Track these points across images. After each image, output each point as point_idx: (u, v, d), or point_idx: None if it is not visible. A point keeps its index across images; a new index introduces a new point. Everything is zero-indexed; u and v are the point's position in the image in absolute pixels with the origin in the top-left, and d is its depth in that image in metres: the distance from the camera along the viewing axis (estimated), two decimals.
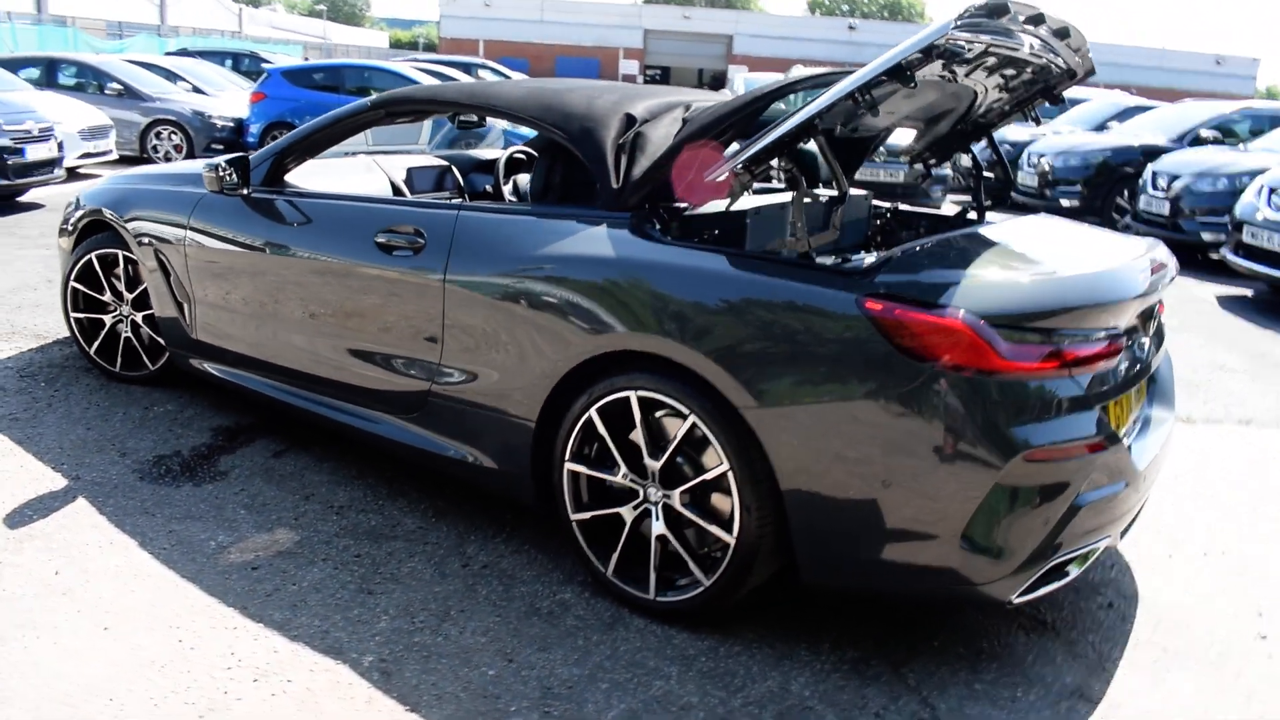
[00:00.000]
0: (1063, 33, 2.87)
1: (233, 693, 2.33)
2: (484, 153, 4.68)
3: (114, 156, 10.82)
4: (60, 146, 8.79)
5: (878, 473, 2.30)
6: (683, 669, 2.49)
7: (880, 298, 2.29)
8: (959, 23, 2.35)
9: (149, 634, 2.53)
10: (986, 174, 3.68)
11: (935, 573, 2.33)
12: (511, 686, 2.39)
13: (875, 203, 3.87)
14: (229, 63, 18.92)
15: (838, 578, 2.46)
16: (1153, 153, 10.12)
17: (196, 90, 13.87)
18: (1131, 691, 2.51)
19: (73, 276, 4.27)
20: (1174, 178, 9.04)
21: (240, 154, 3.58)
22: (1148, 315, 2.76)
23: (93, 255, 4.20)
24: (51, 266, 6.25)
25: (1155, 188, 9.21)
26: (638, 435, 2.62)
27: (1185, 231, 8.87)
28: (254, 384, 3.69)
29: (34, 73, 12.32)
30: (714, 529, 2.53)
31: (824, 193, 3.57)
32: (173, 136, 12.39)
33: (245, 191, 3.54)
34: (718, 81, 46.91)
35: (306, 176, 3.89)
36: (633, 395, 2.60)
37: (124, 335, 4.26)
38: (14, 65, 12.17)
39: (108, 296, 4.25)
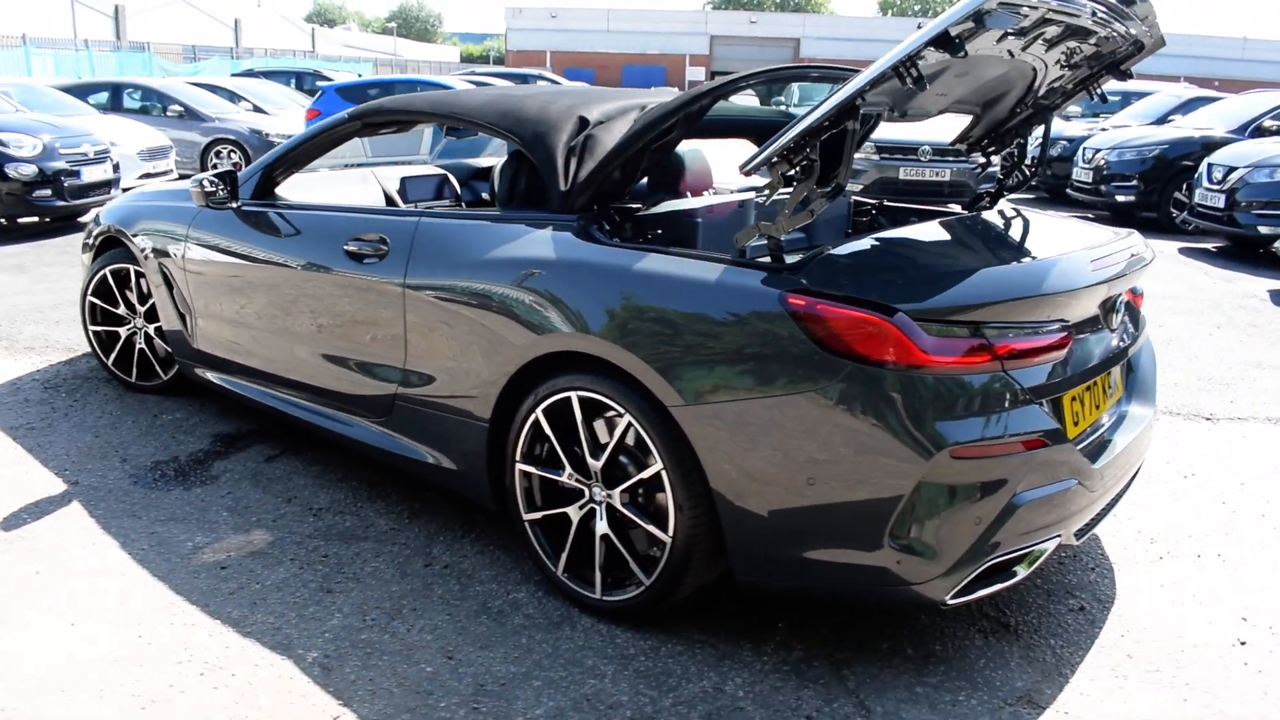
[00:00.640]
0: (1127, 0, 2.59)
1: (178, 685, 2.41)
2: (482, 161, 4.75)
3: (174, 176, 11.23)
4: (116, 168, 9.17)
5: (803, 471, 2.27)
6: (619, 668, 2.49)
7: (803, 293, 2.27)
8: None
9: (110, 629, 2.63)
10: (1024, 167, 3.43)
11: (865, 573, 2.29)
12: (446, 683, 2.42)
13: (859, 199, 3.81)
14: (293, 82, 19.51)
15: (770, 578, 2.43)
16: (1213, 145, 9.75)
17: (257, 109, 14.33)
18: (1084, 698, 2.43)
19: (90, 291, 4.46)
20: (1230, 170, 8.69)
21: (229, 169, 3.70)
22: (1110, 307, 2.67)
23: (107, 270, 4.39)
24: None
25: (1210, 181, 8.87)
26: (580, 435, 2.63)
27: (1241, 225, 8.52)
28: (249, 391, 3.80)
29: (102, 97, 12.90)
30: (652, 528, 2.52)
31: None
32: (232, 155, 12.82)
33: (234, 205, 3.66)
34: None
35: (302, 189, 4.01)
36: (574, 396, 2.62)
37: (138, 346, 4.43)
38: (84, 91, 12.77)
39: (122, 310, 4.43)
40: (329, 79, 18.10)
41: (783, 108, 13.80)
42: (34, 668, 2.45)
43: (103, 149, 9.02)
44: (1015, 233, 2.92)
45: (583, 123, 2.92)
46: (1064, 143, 11.74)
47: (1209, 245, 9.57)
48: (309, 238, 3.42)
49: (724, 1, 70.55)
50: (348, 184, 4.19)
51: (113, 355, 4.50)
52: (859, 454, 2.21)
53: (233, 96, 14.53)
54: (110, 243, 4.42)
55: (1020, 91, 3.11)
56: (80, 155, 8.68)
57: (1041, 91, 3.11)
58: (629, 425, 2.51)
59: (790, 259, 2.39)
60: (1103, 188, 10.47)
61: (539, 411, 2.70)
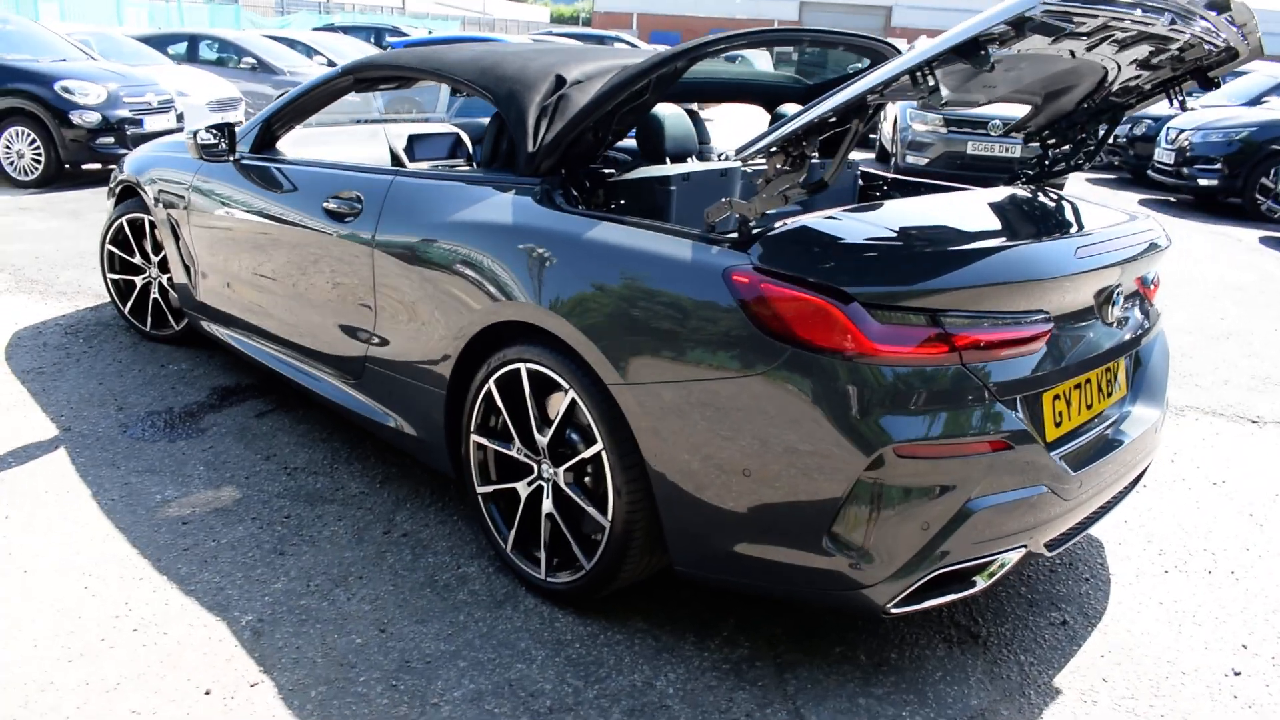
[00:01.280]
0: (1220, 5, 2.37)
1: (109, 640, 2.40)
2: None
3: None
4: (180, 118, 9.32)
5: (739, 460, 2.12)
6: (551, 654, 2.40)
7: (749, 271, 2.11)
8: None
9: (61, 579, 2.64)
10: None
11: (801, 573, 2.15)
12: (371, 657, 2.36)
13: (870, 171, 3.60)
14: (371, 37, 19.64)
15: (707, 570, 2.30)
16: None
17: (330, 64, 14.45)
18: None
19: (107, 239, 4.51)
20: None
21: (227, 121, 3.66)
22: (1106, 298, 2.43)
23: (124, 219, 4.43)
24: None
25: None
26: (529, 410, 2.53)
27: None
28: (243, 346, 3.79)
29: (180, 48, 13.15)
30: (593, 510, 2.41)
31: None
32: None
33: (231, 158, 3.63)
34: None
35: (309, 144, 3.96)
36: (523, 368, 2.51)
37: (152, 296, 4.47)
38: (162, 41, 13.02)
39: (138, 259, 4.47)
40: (405, 35, 18.18)
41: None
42: None
43: (167, 98, 9.18)
44: (1010, 214, 2.69)
45: (559, 81, 2.78)
46: (1149, 121, 11.10)
47: None
48: (294, 193, 3.37)
49: None
50: (355, 141, 4.13)
51: (129, 304, 4.56)
52: (796, 446, 2.05)
53: (308, 51, 14.69)
54: (128, 192, 4.45)
55: (1089, 87, 2.85)
56: (144, 104, 8.84)
57: (1115, 89, 2.85)
58: (573, 402, 2.40)
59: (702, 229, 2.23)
60: (1184, 170, 9.86)
61: (491, 383, 2.60)
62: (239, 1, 27.52)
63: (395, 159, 4.06)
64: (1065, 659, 2.49)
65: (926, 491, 2.06)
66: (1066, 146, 3.17)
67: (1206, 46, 2.47)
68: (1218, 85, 2.80)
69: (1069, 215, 2.69)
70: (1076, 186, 11.82)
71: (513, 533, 2.64)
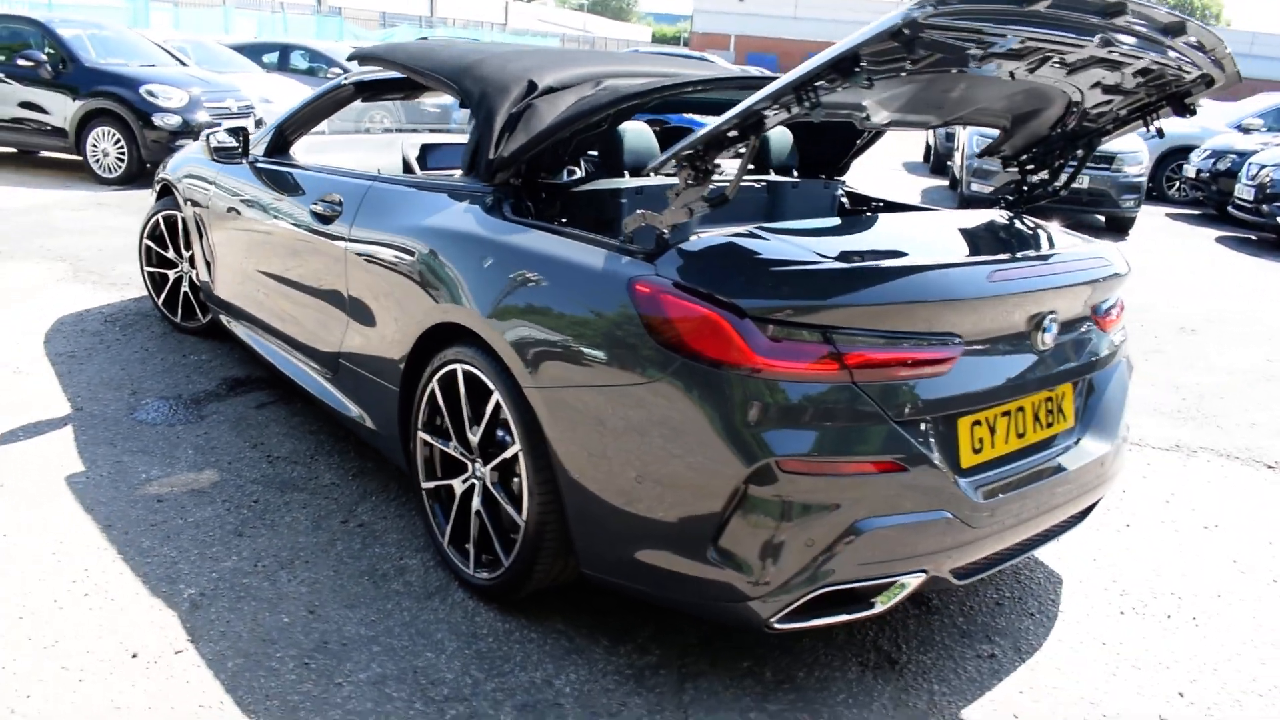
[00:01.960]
0: (1174, 29, 2.22)
1: (60, 602, 2.56)
2: None
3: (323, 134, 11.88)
4: (259, 123, 9.74)
5: (632, 466, 2.17)
6: (462, 645, 2.47)
7: (652, 281, 2.15)
8: (936, 7, 1.79)
9: (34, 543, 2.83)
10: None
11: (687, 582, 2.17)
12: (294, 636, 2.47)
13: (855, 191, 3.59)
14: None
15: (608, 575, 2.35)
16: None
17: None
18: None
19: (145, 234, 4.78)
20: None
21: (241, 126, 3.87)
22: (1037, 324, 2.39)
23: (160, 216, 4.69)
24: None
25: None
26: (463, 409, 2.62)
27: None
28: (250, 339, 3.98)
29: (274, 57, 13.80)
30: (510, 509, 2.48)
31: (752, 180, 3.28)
32: (384, 119, 13.44)
33: (243, 161, 3.83)
34: None
35: (323, 151, 4.15)
36: (459, 368, 2.60)
37: (183, 290, 4.72)
38: (257, 50, 13.68)
39: (171, 254, 4.73)
40: None
41: None
42: None
43: (247, 104, 9.64)
44: (951, 238, 2.67)
45: (530, 88, 2.85)
46: (1233, 156, 10.66)
47: None
48: (292, 195, 3.55)
49: None
50: (369, 149, 4.30)
51: (163, 296, 4.82)
52: (683, 455, 2.09)
53: None
54: (166, 190, 4.72)
55: (1058, 111, 2.81)
56: (224, 109, 9.31)
57: (1090, 115, 2.81)
58: (498, 403, 2.47)
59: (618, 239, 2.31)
60: (1264, 207, 9.45)
61: (435, 382, 2.70)
62: (344, 15, 28.67)
63: (406, 167, 4.22)
64: (981, 692, 2.45)
65: (812, 508, 2.06)
66: (1044, 173, 3.12)
67: (1174, 72, 2.42)
68: (1193, 112, 2.74)
69: (1015, 241, 2.65)
70: (1155, 221, 11.42)
71: (449, 528, 2.73)
